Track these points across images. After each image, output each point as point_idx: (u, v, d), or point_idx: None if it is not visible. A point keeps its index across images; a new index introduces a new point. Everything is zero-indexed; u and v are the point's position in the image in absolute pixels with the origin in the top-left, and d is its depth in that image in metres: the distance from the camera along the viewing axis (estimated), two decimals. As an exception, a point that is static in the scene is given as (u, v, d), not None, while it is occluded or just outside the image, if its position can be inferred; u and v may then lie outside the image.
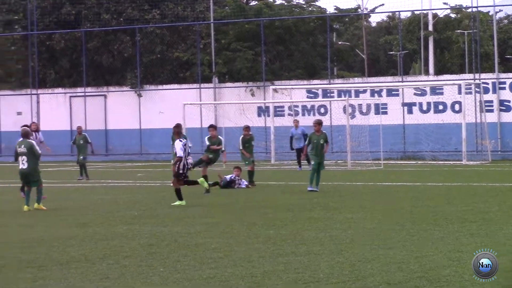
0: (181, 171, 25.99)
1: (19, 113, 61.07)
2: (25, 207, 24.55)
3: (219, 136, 32.73)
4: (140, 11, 62.59)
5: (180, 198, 25.79)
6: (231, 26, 61.45)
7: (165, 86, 60.69)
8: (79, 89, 61.79)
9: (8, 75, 66.99)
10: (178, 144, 26.16)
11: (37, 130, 31.38)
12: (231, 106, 57.24)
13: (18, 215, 23.83)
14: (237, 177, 32.62)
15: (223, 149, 32.18)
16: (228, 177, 32.60)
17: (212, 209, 24.93)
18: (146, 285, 12.81)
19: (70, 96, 61.57)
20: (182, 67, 63.98)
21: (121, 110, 60.07)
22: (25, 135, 24.91)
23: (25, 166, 24.44)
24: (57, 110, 60.92)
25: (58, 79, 64.63)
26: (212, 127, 32.63)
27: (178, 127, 27.79)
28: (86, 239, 18.20)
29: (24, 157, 24.41)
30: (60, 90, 62.60)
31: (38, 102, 61.86)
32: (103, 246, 17.09)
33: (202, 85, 59.39)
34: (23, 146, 24.50)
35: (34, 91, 62.16)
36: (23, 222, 22.09)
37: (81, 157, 39.46)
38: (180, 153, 25.95)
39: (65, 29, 62.35)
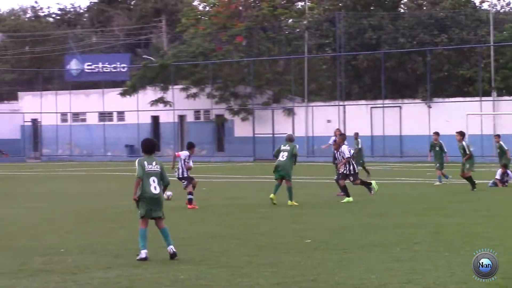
0: (346, 172, 25.72)
1: (328, 121, 62.18)
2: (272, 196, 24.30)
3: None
4: (430, 35, 62.55)
5: (348, 195, 25.31)
6: (508, 48, 60.54)
7: (451, 99, 60.41)
8: (378, 101, 62.33)
9: (320, 89, 68.34)
10: (345, 148, 25.92)
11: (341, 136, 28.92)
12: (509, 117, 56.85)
13: (326, 206, 24.48)
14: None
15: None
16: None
17: (489, 203, 24.74)
18: (433, 267, 12.98)
19: (371, 107, 62.25)
20: (466, 83, 63.38)
21: (413, 119, 60.37)
22: (289, 139, 25.20)
23: (283, 158, 24.30)
24: (360, 119, 61.68)
25: (361, 92, 65.38)
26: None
27: (342, 135, 27.87)
28: (383, 227, 18.38)
29: (285, 153, 24.52)
30: (362, 102, 63.37)
31: (344, 112, 62.85)
32: (397, 233, 17.21)
33: (483, 98, 58.84)
34: (287, 145, 24.74)
35: (341, 103, 63.20)
36: (331, 212, 22.67)
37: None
38: (348, 155, 25.81)
39: (367, 51, 63.05)
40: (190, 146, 24.97)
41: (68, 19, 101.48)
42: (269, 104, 66.48)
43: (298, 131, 63.16)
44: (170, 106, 68.07)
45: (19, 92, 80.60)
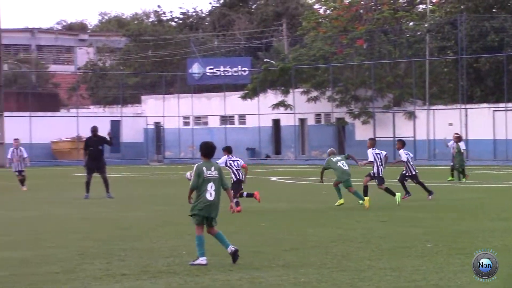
0: (376, 175, 25.71)
1: (450, 124, 61.41)
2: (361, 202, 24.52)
3: None
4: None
5: (392, 194, 25.35)
6: None
7: None
8: (501, 104, 61.26)
9: (441, 92, 67.54)
10: (370, 152, 25.87)
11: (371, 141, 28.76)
12: None
13: (444, 209, 24.09)
14: None
15: None
16: None
17: None
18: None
19: (493, 110, 61.22)
20: None
21: None
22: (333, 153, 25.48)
23: (346, 166, 24.69)
24: (482, 122, 60.79)
25: (483, 95, 64.42)
26: None
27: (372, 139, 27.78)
28: (507, 231, 18.01)
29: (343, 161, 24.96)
30: (485, 105, 62.39)
31: (466, 115, 61.98)
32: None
33: None
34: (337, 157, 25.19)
35: (463, 106, 62.32)
36: (449, 216, 22.35)
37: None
38: (371, 158, 25.73)
39: (490, 53, 62.07)
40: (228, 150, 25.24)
41: (190, 23, 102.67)
42: (390, 107, 66.03)
43: (419, 135, 62.57)
44: (291, 109, 68.20)
45: (142, 96, 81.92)
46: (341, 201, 24.81)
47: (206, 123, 75.89)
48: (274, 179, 42.75)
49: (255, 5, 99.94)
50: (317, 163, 39.81)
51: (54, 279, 12.67)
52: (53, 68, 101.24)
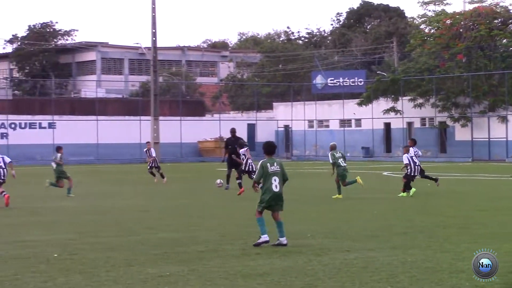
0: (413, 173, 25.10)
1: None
2: None
3: None
4: None
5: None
6: None
7: None
8: None
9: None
10: (405, 156, 25.50)
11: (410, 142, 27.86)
12: None
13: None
14: None
15: None
16: None
17: None
18: None
19: None
20: None
21: None
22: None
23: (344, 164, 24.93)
24: None
25: None
26: None
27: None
28: None
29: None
30: None
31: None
32: None
33: None
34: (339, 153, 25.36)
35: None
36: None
37: None
38: (406, 161, 25.16)
39: None
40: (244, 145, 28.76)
41: (314, 41, 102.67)
42: (485, 112, 64.66)
43: (511, 136, 61.27)
44: (400, 114, 67.55)
45: (273, 103, 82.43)
46: (339, 196, 24.67)
47: (327, 126, 75.82)
48: (385, 173, 42.36)
49: (369, 26, 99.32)
50: (422, 160, 39.27)
51: (200, 256, 12.82)
52: (199, 79, 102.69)
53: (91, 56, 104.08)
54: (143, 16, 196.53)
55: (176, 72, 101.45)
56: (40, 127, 69.16)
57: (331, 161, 25.71)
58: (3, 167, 23.94)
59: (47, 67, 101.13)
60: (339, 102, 74.38)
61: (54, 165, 27.75)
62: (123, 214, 20.56)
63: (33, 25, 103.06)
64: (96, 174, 41.50)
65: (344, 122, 73.75)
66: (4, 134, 67.54)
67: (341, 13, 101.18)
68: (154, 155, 36.26)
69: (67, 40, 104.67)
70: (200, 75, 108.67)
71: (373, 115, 69.63)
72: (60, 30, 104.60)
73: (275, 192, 13.83)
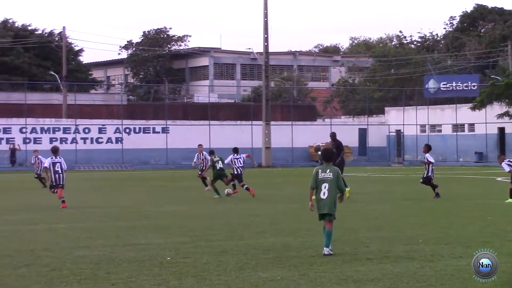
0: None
1: None
2: None
3: None
4: None
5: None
6: None
7: None
8: None
9: None
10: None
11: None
12: None
13: None
14: None
15: None
16: None
17: None
18: None
19: None
20: None
21: None
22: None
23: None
24: None
25: None
26: None
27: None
28: None
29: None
30: None
31: None
32: None
33: None
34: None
35: None
36: None
37: None
38: (508, 168, 24.82)
39: None
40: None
41: (427, 45, 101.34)
42: None
43: None
44: (515, 118, 66.22)
45: (385, 107, 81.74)
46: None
47: (440, 131, 74.76)
48: (499, 179, 41.39)
49: (483, 29, 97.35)
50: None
51: (311, 261, 12.82)
52: (311, 84, 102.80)
53: (204, 61, 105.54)
54: (255, 21, 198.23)
55: (288, 77, 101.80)
56: (154, 132, 70.51)
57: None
58: (60, 172, 24.32)
59: (161, 72, 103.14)
60: (452, 107, 73.29)
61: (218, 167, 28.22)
62: (234, 218, 20.76)
63: (148, 31, 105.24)
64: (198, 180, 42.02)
65: (457, 127, 72.59)
66: (119, 139, 69.17)
67: (455, 16, 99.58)
68: (208, 158, 33.06)
69: (180, 45, 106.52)
70: (312, 79, 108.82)
71: (486, 120, 68.33)
72: (173, 36, 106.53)
73: (322, 199, 13.39)
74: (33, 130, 67.59)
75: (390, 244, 14.63)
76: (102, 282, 11.15)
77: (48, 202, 26.79)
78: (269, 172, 55.14)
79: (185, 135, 69.77)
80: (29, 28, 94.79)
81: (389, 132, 77.28)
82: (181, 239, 15.89)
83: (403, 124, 75.64)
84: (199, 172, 33.83)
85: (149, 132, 70.46)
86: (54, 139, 67.12)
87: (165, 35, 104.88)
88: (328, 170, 13.41)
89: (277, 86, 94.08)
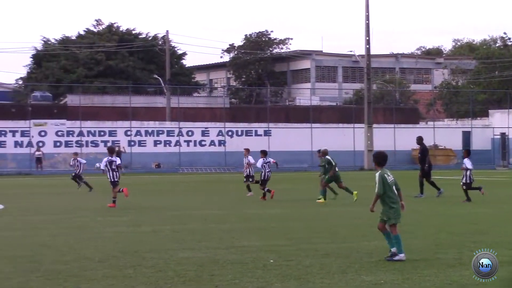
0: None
1: None
2: None
3: None
4: None
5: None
6: None
7: None
8: None
9: None
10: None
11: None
12: None
13: None
14: None
15: None
16: None
17: None
18: None
19: None
20: None
21: None
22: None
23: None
24: None
25: None
26: None
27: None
28: None
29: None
30: None
31: None
32: None
33: None
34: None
35: None
36: None
37: None
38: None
39: None
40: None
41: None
42: None
43: None
44: None
45: (489, 110, 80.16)
46: (324, 200, 26.41)
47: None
48: None
49: None
50: None
51: (414, 265, 12.63)
52: (413, 87, 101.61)
53: (305, 64, 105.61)
54: (356, 24, 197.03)
55: (390, 79, 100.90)
56: (256, 135, 70.91)
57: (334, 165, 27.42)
58: (116, 170, 26.15)
59: (263, 75, 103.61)
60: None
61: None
62: (336, 220, 20.68)
63: (250, 35, 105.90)
64: (310, 181, 42.02)
65: None
66: (222, 142, 69.84)
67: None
68: (252, 162, 32.09)
69: (282, 48, 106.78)
70: (414, 82, 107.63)
71: None
72: (275, 39, 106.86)
73: (398, 202, 13.04)
74: (138, 133, 68.86)
75: (495, 249, 14.30)
76: (206, 284, 11.27)
77: (150, 204, 27.26)
78: (371, 175, 54.70)
79: (287, 138, 69.92)
80: (134, 32, 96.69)
81: (494, 135, 75.71)
82: (283, 241, 15.92)
83: (508, 127, 73.99)
84: (246, 178, 32.02)
85: (251, 135, 70.85)
86: (158, 142, 68.32)
87: (267, 38, 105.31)
88: (389, 173, 13.07)
89: (379, 89, 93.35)
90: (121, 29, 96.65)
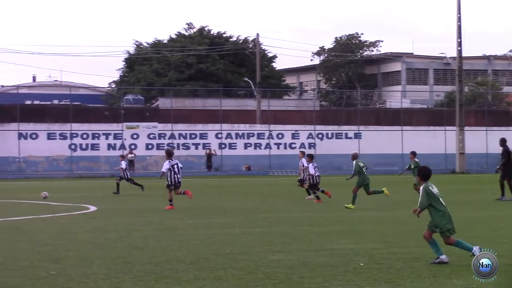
0: None
1: None
2: None
3: None
4: None
5: None
6: None
7: None
8: None
9: None
10: None
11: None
12: None
13: None
14: None
15: None
16: None
17: None
18: None
19: None
20: None
21: None
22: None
23: None
24: None
25: None
26: None
27: None
28: None
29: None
30: None
31: None
32: None
33: None
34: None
35: None
36: None
37: None
38: None
39: None
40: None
41: None
42: None
43: None
44: None
45: None
46: (353, 206, 25.46)
47: None
48: None
49: None
50: None
51: (505, 269, 12.41)
52: (506, 89, 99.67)
53: (396, 66, 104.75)
54: (447, 25, 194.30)
55: (482, 81, 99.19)
56: (346, 137, 70.67)
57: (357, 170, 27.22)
58: (177, 172, 26.55)
59: (353, 78, 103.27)
60: None
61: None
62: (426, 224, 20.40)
63: (340, 37, 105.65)
64: (401, 184, 41.61)
65: None
66: (312, 144, 69.81)
67: None
68: (306, 165, 31.07)
69: (372, 51, 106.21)
70: (507, 84, 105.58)
71: None
72: (365, 42, 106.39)
73: (449, 214, 13.08)
74: (228, 136, 69.40)
75: None
76: (296, 287, 11.28)
77: (243, 206, 27.44)
78: (463, 178, 53.86)
79: (377, 140, 69.44)
80: (224, 35, 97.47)
81: None
82: (373, 244, 15.81)
83: None
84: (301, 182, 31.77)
85: (342, 138, 70.63)
86: (248, 144, 68.72)
87: (357, 41, 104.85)
88: (434, 185, 13.11)
89: (471, 91, 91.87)
90: (212, 33, 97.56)
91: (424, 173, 13.19)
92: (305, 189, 31.61)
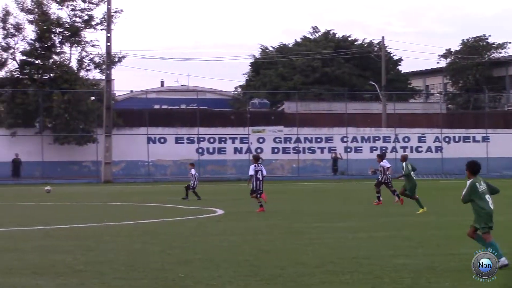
0: None
1: None
2: None
3: None
4: None
5: None
6: None
7: None
8: None
9: None
10: None
11: None
12: None
13: None
14: None
15: None
16: None
17: None
18: None
19: None
20: None
21: None
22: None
23: None
24: None
25: None
26: None
27: None
28: None
29: None
30: None
31: None
32: None
33: None
34: None
35: None
36: None
37: None
38: None
39: None
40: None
41: None
42: None
43: None
44: None
45: None
46: (422, 210, 25.04)
47: None
48: None
49: None
50: None
51: None
52: None
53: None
54: None
55: None
56: (474, 141, 69.28)
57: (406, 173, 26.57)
58: (261, 179, 26.42)
59: (481, 80, 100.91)
60: None
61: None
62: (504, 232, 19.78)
63: (467, 39, 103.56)
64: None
65: None
66: (438, 148, 68.77)
67: None
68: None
69: (500, 53, 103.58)
70: None
71: None
72: (493, 43, 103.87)
73: (491, 210, 12.77)
74: (354, 139, 69.08)
75: None
76: (423, 292, 11.14)
77: (368, 210, 27.27)
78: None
79: (506, 144, 67.71)
80: (349, 39, 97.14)
81: None
82: (504, 250, 15.42)
83: None
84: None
85: (469, 141, 69.24)
86: (374, 148, 68.23)
87: (485, 43, 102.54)
88: (481, 182, 12.89)
89: None
90: (337, 36, 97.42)
91: (472, 168, 13.00)
92: (391, 192, 31.18)
